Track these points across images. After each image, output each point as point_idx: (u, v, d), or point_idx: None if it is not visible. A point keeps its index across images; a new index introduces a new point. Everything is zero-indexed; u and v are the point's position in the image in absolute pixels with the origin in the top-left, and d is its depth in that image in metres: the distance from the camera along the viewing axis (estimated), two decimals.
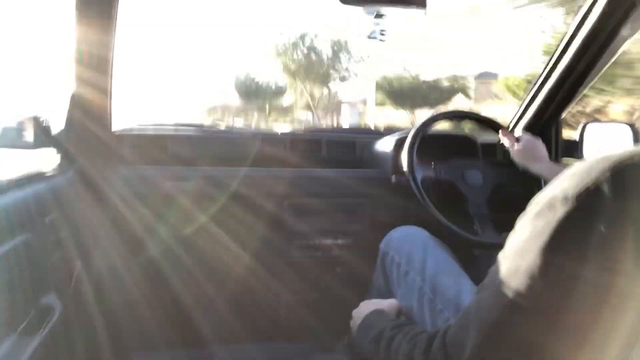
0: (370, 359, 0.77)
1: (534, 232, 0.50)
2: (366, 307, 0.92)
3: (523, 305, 0.50)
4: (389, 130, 1.74)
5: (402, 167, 1.29)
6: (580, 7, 1.27)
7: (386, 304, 0.96)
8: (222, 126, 1.63)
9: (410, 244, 1.06)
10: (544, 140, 1.33)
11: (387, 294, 1.06)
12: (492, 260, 0.57)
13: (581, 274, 0.46)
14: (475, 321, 0.55)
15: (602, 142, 1.43)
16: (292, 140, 1.55)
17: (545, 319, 0.49)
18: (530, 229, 0.51)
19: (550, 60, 1.45)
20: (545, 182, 1.27)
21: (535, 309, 0.49)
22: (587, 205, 0.47)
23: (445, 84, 18.09)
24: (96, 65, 1.07)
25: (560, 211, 0.48)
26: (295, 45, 18.72)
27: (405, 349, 0.66)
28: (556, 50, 1.41)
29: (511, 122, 1.68)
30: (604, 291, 0.46)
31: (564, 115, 1.55)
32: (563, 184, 0.50)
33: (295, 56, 18.95)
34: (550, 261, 0.48)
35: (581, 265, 0.46)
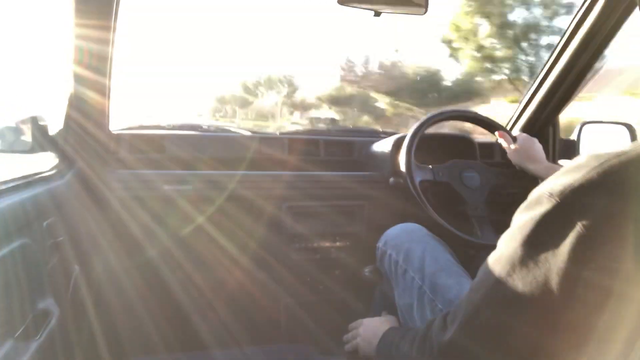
0: None
1: (519, 223, 0.53)
2: (371, 325, 0.98)
3: (502, 291, 0.52)
4: (387, 131, 1.74)
5: (399, 169, 1.29)
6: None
7: (387, 321, 0.99)
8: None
9: (408, 241, 1.06)
10: (541, 141, 1.33)
11: (387, 303, 1.06)
12: None
13: (558, 269, 0.48)
14: (465, 299, 0.59)
15: (600, 142, 1.43)
16: (291, 141, 1.55)
17: (520, 307, 0.51)
18: (518, 221, 0.54)
19: (547, 61, 1.45)
20: None
21: (512, 296, 0.51)
22: (570, 202, 0.48)
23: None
24: (95, 65, 1.07)
25: (544, 206, 0.50)
26: None
27: (412, 332, 0.70)
28: (554, 50, 1.41)
29: (509, 122, 1.68)
30: (584, 288, 0.47)
31: (561, 115, 1.56)
32: (553, 181, 0.51)
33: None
34: (529, 253, 0.50)
35: (559, 260, 0.48)
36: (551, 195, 0.50)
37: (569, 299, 0.48)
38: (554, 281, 0.48)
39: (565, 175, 0.50)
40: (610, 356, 0.49)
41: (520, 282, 0.51)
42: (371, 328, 0.96)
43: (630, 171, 0.47)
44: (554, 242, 0.48)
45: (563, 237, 0.47)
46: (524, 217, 0.52)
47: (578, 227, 0.47)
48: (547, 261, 0.49)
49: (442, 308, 0.92)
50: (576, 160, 0.51)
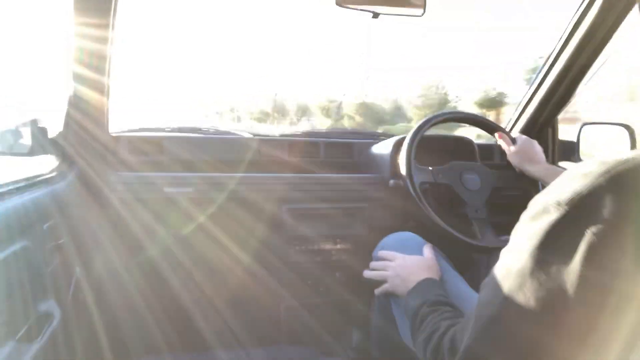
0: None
1: (527, 234, 0.51)
2: (407, 266, 0.97)
3: (514, 305, 0.51)
4: (386, 133, 1.74)
5: (400, 171, 1.29)
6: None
7: (429, 265, 0.98)
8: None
9: (403, 250, 1.05)
10: (540, 142, 1.33)
11: (388, 306, 1.06)
12: (491, 263, 0.58)
13: (570, 278, 0.47)
14: (474, 316, 0.58)
15: (599, 143, 1.44)
16: (291, 143, 1.55)
17: (535, 319, 0.50)
18: (525, 231, 0.52)
19: (546, 62, 1.46)
20: (543, 185, 1.27)
21: (525, 309, 0.51)
22: (579, 210, 0.47)
23: None
24: (94, 67, 1.07)
25: (553, 215, 0.49)
26: None
27: (428, 331, 0.71)
28: (552, 52, 1.42)
29: (508, 123, 1.69)
30: (597, 294, 0.47)
31: (560, 116, 1.56)
32: (558, 188, 0.50)
33: None
34: (540, 264, 0.49)
35: (571, 269, 0.47)
36: (559, 204, 0.49)
37: (583, 307, 0.47)
38: (568, 290, 0.47)
39: (571, 182, 0.49)
40: (611, 356, 0.49)
41: (533, 294, 0.50)
42: (410, 267, 0.97)
43: (638, 177, 0.47)
44: (565, 252, 0.47)
45: (574, 245, 0.47)
46: (532, 228, 0.51)
47: (588, 235, 0.46)
48: (559, 271, 0.48)
49: None
50: (581, 167, 0.51)
